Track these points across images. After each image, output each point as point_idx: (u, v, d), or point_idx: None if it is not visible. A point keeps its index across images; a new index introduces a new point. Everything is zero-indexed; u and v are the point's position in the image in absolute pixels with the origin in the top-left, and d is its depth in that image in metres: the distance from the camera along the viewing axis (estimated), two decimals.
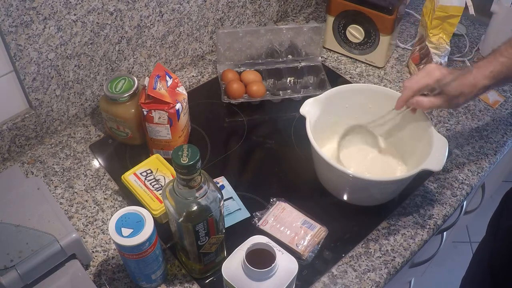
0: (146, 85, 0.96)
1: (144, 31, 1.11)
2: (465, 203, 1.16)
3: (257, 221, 0.93)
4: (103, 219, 0.95)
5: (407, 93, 0.91)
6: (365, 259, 0.91)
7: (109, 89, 1.00)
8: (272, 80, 1.22)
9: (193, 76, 1.26)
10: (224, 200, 0.96)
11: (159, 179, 0.94)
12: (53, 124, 1.08)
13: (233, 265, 0.72)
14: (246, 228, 0.93)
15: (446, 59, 1.19)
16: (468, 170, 1.06)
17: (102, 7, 0.99)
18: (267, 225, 0.92)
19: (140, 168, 0.96)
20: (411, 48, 1.30)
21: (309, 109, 0.95)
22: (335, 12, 1.24)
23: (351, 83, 1.24)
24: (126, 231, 0.74)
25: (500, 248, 1.04)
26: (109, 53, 1.08)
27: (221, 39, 1.18)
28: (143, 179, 0.94)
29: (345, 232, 0.94)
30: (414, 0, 1.49)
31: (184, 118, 1.01)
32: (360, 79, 1.26)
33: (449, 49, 1.18)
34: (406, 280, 1.42)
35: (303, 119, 0.93)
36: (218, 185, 0.88)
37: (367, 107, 1.02)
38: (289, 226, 0.92)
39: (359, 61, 1.30)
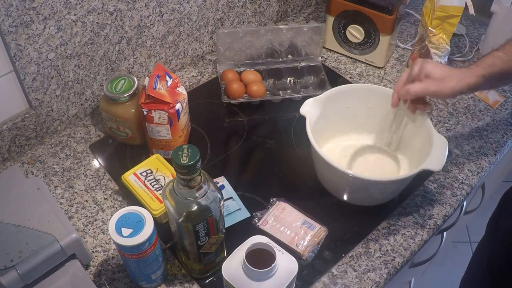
0: (146, 85, 0.96)
1: (144, 31, 1.11)
2: (465, 203, 1.16)
3: (257, 221, 0.93)
4: (103, 219, 0.95)
5: (397, 84, 0.92)
6: (365, 259, 0.91)
7: (109, 89, 1.00)
8: (272, 80, 1.22)
9: (193, 76, 1.26)
10: (224, 200, 0.96)
11: (159, 179, 0.94)
12: (53, 124, 1.08)
13: (233, 265, 0.72)
14: (246, 228, 0.93)
15: (446, 59, 1.19)
16: (468, 170, 1.06)
17: (102, 7, 0.99)
18: (267, 225, 0.92)
19: (140, 168, 0.96)
20: (411, 48, 1.30)
21: (309, 109, 0.95)
22: (335, 12, 1.24)
23: (351, 83, 1.24)
24: (126, 231, 0.74)
25: (499, 249, 1.04)
26: (109, 53, 1.08)
27: (221, 39, 1.18)
28: (143, 179, 0.94)
29: (345, 232, 0.94)
30: (414, 0, 1.49)
31: (184, 118, 1.01)
32: (360, 79, 1.26)
33: (449, 49, 1.18)
34: (406, 280, 1.42)
35: (303, 119, 0.93)
36: (218, 185, 0.88)
37: (367, 107, 1.02)
38: (289, 226, 0.92)
39: (359, 61, 1.30)
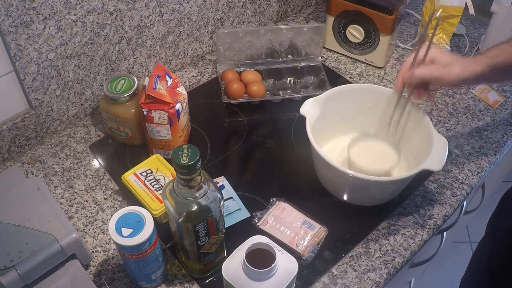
0: (146, 85, 0.96)
1: (144, 31, 1.11)
2: (465, 203, 1.16)
3: (257, 221, 0.93)
4: (103, 219, 0.95)
5: (402, 68, 0.91)
6: (365, 259, 0.91)
7: (109, 89, 1.00)
8: (272, 80, 1.22)
9: (193, 76, 1.26)
10: (224, 200, 0.96)
11: (159, 179, 0.94)
12: (53, 124, 1.08)
13: (233, 265, 0.72)
14: (246, 228, 0.93)
15: None
16: (468, 170, 1.06)
17: (102, 7, 0.99)
18: (267, 225, 0.92)
19: (140, 168, 0.96)
20: (411, 48, 1.30)
21: (309, 109, 0.95)
22: (335, 12, 1.24)
23: (351, 83, 1.24)
24: (126, 231, 0.74)
25: (498, 249, 1.04)
26: (109, 53, 1.08)
27: (221, 39, 1.18)
28: (143, 179, 0.94)
29: (345, 232, 0.94)
30: (414, 0, 1.49)
31: (184, 118, 1.01)
32: (360, 79, 1.26)
33: (449, 49, 1.18)
34: (406, 280, 1.42)
35: (303, 119, 0.93)
36: (218, 185, 0.88)
37: (367, 107, 1.02)
38: (289, 226, 0.92)
39: (359, 61, 1.30)
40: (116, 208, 0.97)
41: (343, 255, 0.91)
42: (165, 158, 0.99)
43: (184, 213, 0.72)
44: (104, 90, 1.00)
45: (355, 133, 1.07)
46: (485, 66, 0.84)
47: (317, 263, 0.89)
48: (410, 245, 0.93)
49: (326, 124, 1.00)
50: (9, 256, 0.76)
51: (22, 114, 1.02)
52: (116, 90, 0.99)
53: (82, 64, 1.04)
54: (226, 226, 0.86)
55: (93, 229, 0.94)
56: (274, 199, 0.97)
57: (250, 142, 1.11)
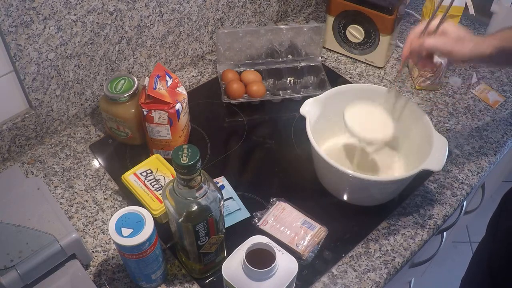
0: (146, 85, 0.96)
1: (144, 31, 1.11)
2: (465, 203, 1.16)
3: (257, 221, 0.93)
4: (103, 219, 0.95)
5: (410, 34, 0.88)
6: (365, 259, 0.91)
7: (109, 89, 1.00)
8: (272, 80, 1.22)
9: (193, 76, 1.26)
10: (224, 200, 0.96)
11: (159, 179, 0.94)
12: (53, 124, 1.08)
13: (233, 265, 0.72)
14: (246, 228, 0.93)
15: (446, 59, 1.19)
16: (468, 170, 1.06)
17: (102, 7, 0.99)
18: (267, 225, 0.92)
19: (140, 168, 0.96)
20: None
21: (309, 109, 0.95)
22: (335, 12, 1.24)
23: (351, 83, 1.24)
24: (126, 231, 0.74)
25: (499, 250, 1.04)
26: (109, 53, 1.08)
27: (221, 39, 1.18)
28: (143, 179, 0.94)
29: (345, 232, 0.94)
30: (414, 0, 1.49)
31: (184, 118, 1.01)
32: (360, 79, 1.26)
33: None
34: (406, 280, 1.42)
35: (303, 119, 0.93)
36: (218, 185, 0.88)
37: None
38: (289, 226, 0.92)
39: (359, 61, 1.30)
40: (116, 208, 0.97)
41: (343, 255, 0.91)
42: (165, 158, 0.99)
43: (184, 213, 0.72)
44: (104, 90, 1.00)
45: None
46: (494, 49, 0.82)
47: (317, 263, 0.89)
48: (410, 245, 0.93)
49: (326, 124, 1.00)
50: (9, 256, 0.76)
51: (22, 114, 1.02)
52: (116, 90, 0.99)
53: (82, 64, 1.04)
54: (226, 226, 0.86)
55: (93, 229, 0.94)
56: (274, 199, 0.97)
57: (250, 142, 1.11)
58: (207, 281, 0.87)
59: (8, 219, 0.81)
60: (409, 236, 0.94)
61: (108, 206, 0.98)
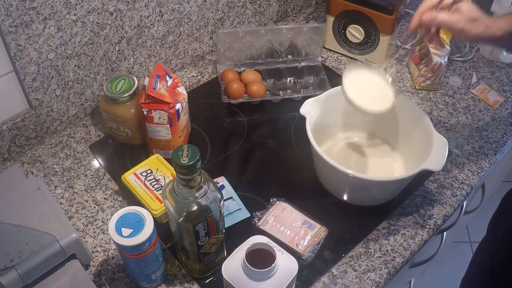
0: (146, 85, 0.96)
1: (144, 31, 1.11)
2: (465, 203, 1.16)
3: (257, 221, 0.93)
4: (103, 219, 0.95)
5: (421, 7, 0.87)
6: (365, 259, 0.91)
7: (109, 89, 1.00)
8: (272, 80, 1.22)
9: (193, 76, 1.26)
10: (224, 200, 0.96)
11: (159, 179, 0.94)
12: (53, 124, 1.08)
13: (233, 265, 0.72)
14: (246, 228, 0.93)
15: (446, 59, 1.19)
16: (468, 170, 1.06)
17: (102, 7, 0.99)
18: (267, 225, 0.92)
19: (140, 168, 0.96)
20: (411, 48, 1.30)
21: (309, 109, 0.95)
22: (335, 12, 1.24)
23: None
24: (126, 231, 0.74)
25: (499, 250, 1.04)
26: (109, 53, 1.08)
27: (221, 39, 1.18)
28: (143, 179, 0.94)
29: (345, 232, 0.94)
30: (414, 0, 1.49)
31: (184, 118, 1.01)
32: None
33: (449, 49, 1.18)
34: (406, 280, 1.42)
35: (303, 119, 0.93)
36: (218, 185, 0.88)
37: None
38: (289, 226, 0.92)
39: (359, 61, 1.30)
40: (116, 208, 0.97)
41: (343, 255, 0.91)
42: (165, 158, 0.99)
43: (184, 213, 0.72)
44: (104, 90, 1.00)
45: (355, 133, 1.08)
46: (504, 32, 0.83)
47: (317, 263, 0.89)
48: (410, 245, 0.93)
49: (326, 124, 1.00)
50: (9, 256, 0.76)
51: (22, 114, 1.02)
52: (116, 90, 0.99)
53: (82, 64, 1.04)
54: (226, 226, 0.86)
55: (93, 229, 0.94)
56: (274, 199, 0.97)
57: (250, 142, 1.11)
58: (207, 281, 0.87)
59: (8, 219, 0.81)
60: (409, 236, 0.94)
61: (108, 206, 0.98)
